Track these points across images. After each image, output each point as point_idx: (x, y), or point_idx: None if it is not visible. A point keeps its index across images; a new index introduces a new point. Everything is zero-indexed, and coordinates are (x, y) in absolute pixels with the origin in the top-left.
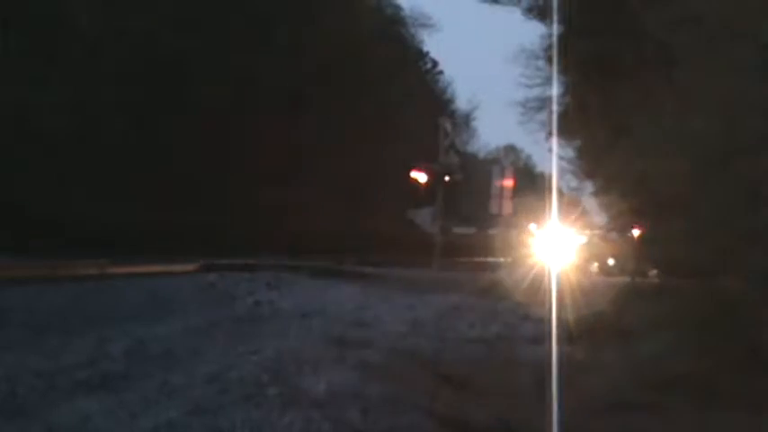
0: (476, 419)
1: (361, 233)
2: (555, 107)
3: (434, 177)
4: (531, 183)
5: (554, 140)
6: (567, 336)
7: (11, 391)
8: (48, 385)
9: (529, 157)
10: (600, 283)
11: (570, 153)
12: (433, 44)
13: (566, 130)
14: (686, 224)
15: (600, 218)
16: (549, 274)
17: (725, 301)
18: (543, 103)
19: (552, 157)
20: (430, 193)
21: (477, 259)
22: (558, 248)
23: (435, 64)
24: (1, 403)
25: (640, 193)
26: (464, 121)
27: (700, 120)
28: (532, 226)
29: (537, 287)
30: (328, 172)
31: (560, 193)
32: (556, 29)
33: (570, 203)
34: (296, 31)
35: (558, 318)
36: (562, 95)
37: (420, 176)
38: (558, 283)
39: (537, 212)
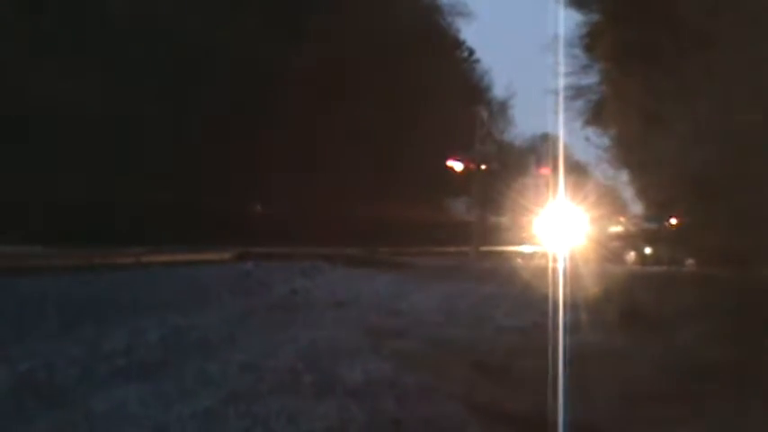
0: (511, 408)
1: (396, 222)
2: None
3: (471, 166)
4: (567, 172)
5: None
6: (603, 325)
7: (49, 379)
8: (85, 373)
9: (566, 146)
10: (637, 273)
11: (606, 142)
12: (469, 33)
13: (601, 119)
14: (723, 214)
15: (636, 207)
16: (585, 263)
17: (761, 289)
18: (579, 91)
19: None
20: (466, 182)
21: (514, 248)
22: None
23: (472, 52)
24: (40, 391)
25: (677, 183)
26: (500, 110)
27: (738, 108)
28: (569, 215)
29: (573, 276)
30: (363, 160)
31: (596, 182)
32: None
33: (606, 193)
34: (330, 19)
35: (594, 307)
36: (598, 84)
37: (456, 165)
38: (594, 273)
39: (572, 201)
